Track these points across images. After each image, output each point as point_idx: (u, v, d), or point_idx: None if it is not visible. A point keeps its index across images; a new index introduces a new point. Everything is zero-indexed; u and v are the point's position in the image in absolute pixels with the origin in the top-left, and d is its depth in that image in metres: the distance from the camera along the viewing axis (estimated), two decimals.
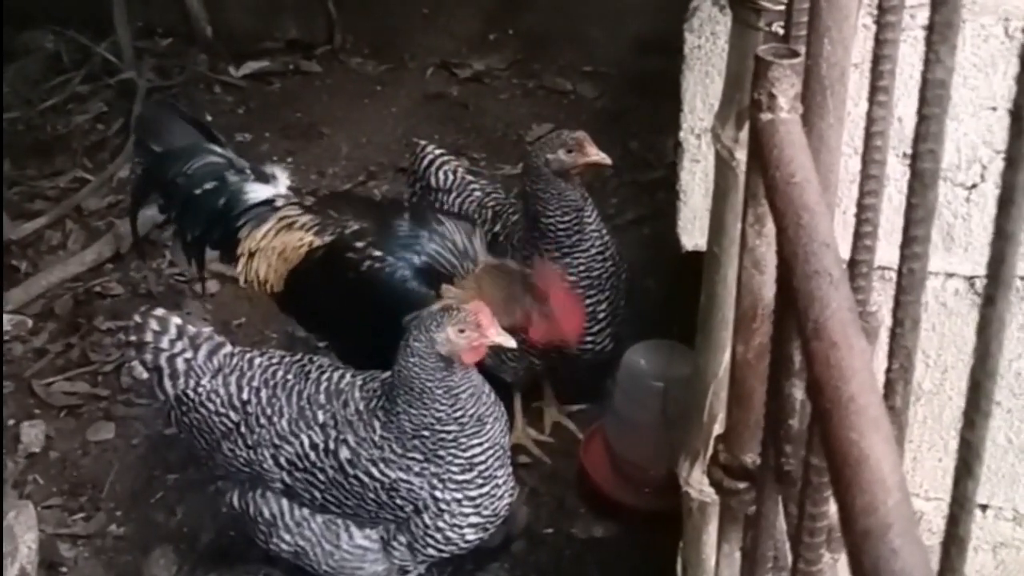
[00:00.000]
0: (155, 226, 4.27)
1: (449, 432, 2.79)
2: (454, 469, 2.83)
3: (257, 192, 3.43)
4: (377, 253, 3.26)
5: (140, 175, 3.68)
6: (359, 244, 3.29)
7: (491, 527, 2.98)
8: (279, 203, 3.43)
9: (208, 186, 3.43)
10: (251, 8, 5.92)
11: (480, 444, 2.84)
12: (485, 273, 3.25)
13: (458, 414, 2.79)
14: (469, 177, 3.84)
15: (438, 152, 3.84)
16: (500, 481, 2.92)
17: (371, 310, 3.26)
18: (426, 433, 2.79)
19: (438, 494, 2.84)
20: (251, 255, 3.42)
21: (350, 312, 3.35)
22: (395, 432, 2.81)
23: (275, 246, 3.38)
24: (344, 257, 3.29)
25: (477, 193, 3.76)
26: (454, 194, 3.75)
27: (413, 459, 2.82)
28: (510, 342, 2.83)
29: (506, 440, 2.95)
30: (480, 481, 2.87)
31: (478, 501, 2.88)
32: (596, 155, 3.34)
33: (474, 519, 2.90)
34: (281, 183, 3.46)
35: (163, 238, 4.47)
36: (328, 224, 3.36)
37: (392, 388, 2.81)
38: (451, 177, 3.78)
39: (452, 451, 2.81)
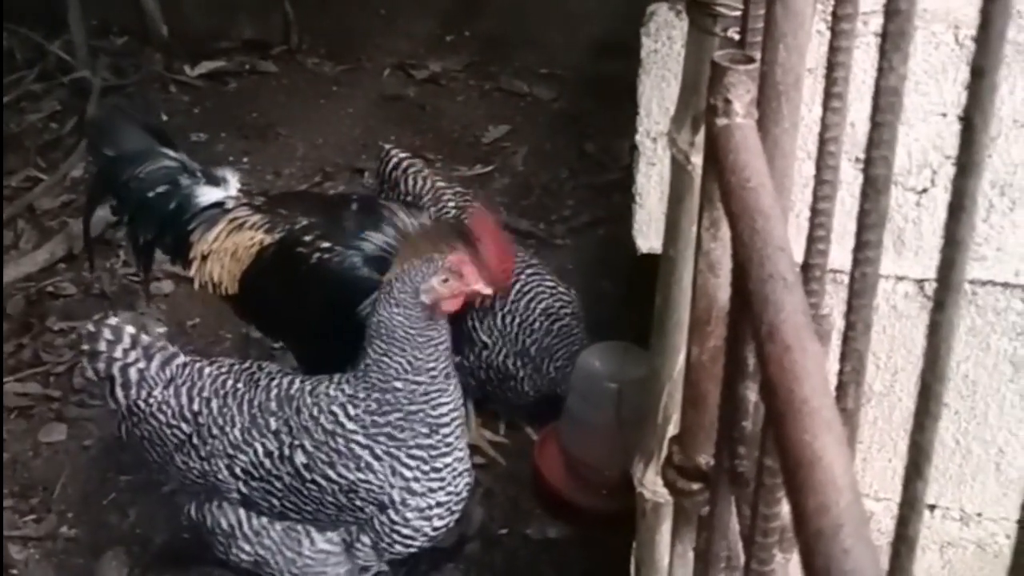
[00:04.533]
0: (108, 226, 4.24)
1: (420, 384, 2.80)
2: (423, 431, 2.83)
3: (207, 195, 3.40)
4: (326, 245, 3.26)
5: (93, 179, 3.66)
6: (308, 238, 3.29)
7: (455, 509, 2.96)
8: (229, 204, 3.41)
9: (161, 189, 3.40)
10: (207, 7, 5.89)
11: (447, 404, 2.85)
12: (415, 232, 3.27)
13: (431, 364, 2.80)
14: (441, 184, 3.84)
15: (403, 155, 3.85)
16: (460, 453, 2.93)
17: (325, 302, 3.25)
18: (399, 385, 2.80)
19: (406, 472, 2.83)
20: (204, 258, 3.40)
21: (305, 308, 3.34)
22: (362, 402, 2.81)
23: (227, 247, 3.36)
24: (294, 252, 3.28)
25: (451, 206, 3.78)
26: (426, 200, 3.76)
27: (378, 441, 2.82)
28: (487, 289, 2.90)
29: (462, 412, 2.97)
30: (444, 448, 2.87)
31: (443, 474, 2.88)
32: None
33: (440, 496, 2.89)
34: (232, 185, 3.44)
35: (117, 238, 4.44)
36: (278, 222, 3.35)
37: (367, 340, 2.82)
38: (420, 182, 3.79)
39: (422, 407, 2.82)
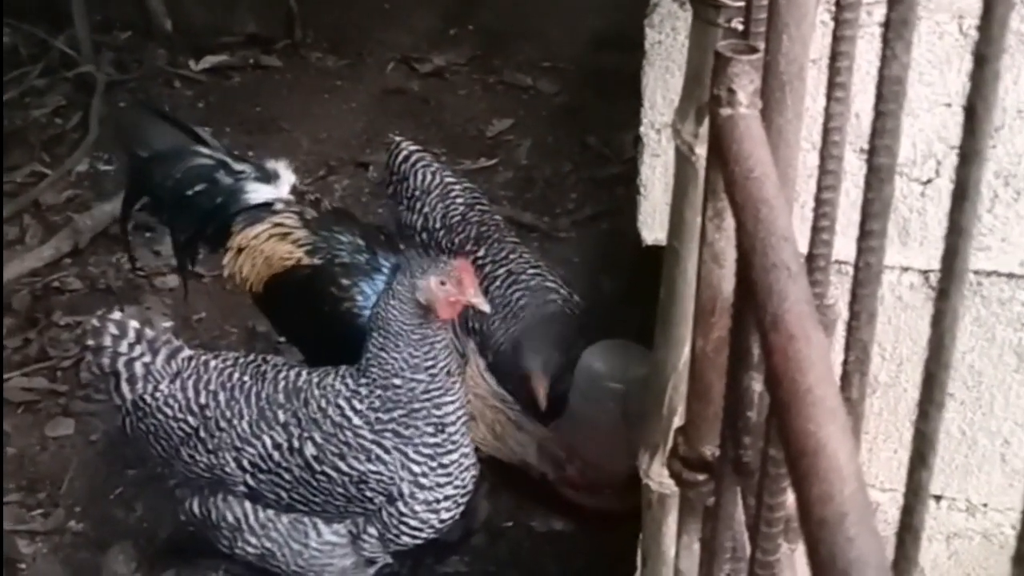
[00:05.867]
0: (114, 220, 4.24)
1: (419, 382, 2.80)
2: (428, 430, 2.83)
3: (258, 192, 3.36)
4: (359, 299, 3.24)
5: (127, 182, 3.62)
6: (345, 282, 3.27)
7: (462, 502, 2.97)
8: (278, 207, 3.37)
9: (199, 188, 3.36)
10: (210, 2, 5.88)
11: (451, 402, 2.85)
12: (500, 422, 3.41)
13: (428, 363, 2.80)
14: (450, 179, 3.84)
15: (413, 148, 3.83)
16: (466, 449, 2.93)
17: (338, 340, 3.24)
18: (397, 382, 2.79)
19: (414, 468, 2.83)
20: (239, 251, 3.38)
21: (320, 334, 3.34)
22: (365, 398, 2.81)
23: (264, 250, 3.34)
24: (327, 289, 3.27)
25: (460, 202, 3.77)
26: (434, 195, 3.76)
27: (384, 436, 2.82)
28: (485, 306, 2.90)
29: (467, 409, 2.98)
30: (450, 446, 2.87)
31: (450, 470, 2.88)
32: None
33: (448, 490, 2.89)
34: (284, 182, 3.38)
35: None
36: (321, 247, 3.32)
37: (368, 333, 2.83)
38: (429, 177, 3.78)
39: (425, 405, 2.82)
